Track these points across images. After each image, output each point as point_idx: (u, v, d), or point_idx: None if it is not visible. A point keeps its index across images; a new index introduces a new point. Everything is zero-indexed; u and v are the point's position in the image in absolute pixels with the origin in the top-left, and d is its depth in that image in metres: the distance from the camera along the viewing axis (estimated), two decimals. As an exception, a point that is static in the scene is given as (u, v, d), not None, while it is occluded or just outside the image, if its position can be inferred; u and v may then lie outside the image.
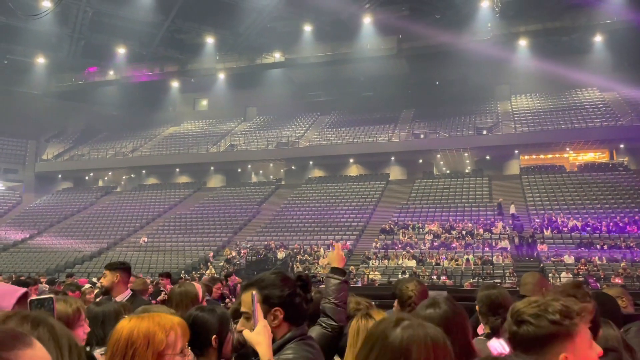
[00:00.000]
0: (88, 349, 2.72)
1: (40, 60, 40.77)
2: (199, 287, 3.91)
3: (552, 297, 1.70)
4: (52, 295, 1.85)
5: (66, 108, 46.85)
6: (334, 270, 2.90)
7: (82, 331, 2.49)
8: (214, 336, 2.45)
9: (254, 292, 2.03)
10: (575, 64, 35.99)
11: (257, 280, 2.14)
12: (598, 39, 34.36)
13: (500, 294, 3.23)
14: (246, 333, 1.98)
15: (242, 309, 2.08)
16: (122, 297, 4.46)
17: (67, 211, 38.74)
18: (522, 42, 34.87)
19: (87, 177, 45.86)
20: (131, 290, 4.73)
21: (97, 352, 2.76)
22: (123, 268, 4.58)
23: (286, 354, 2.00)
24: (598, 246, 23.29)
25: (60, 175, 44.92)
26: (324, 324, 2.78)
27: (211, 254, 28.11)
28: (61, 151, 45.94)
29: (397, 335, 1.49)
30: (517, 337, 1.65)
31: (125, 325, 1.66)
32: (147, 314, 1.74)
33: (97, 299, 5.21)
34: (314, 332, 2.72)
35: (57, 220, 37.43)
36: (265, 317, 2.05)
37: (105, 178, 46.29)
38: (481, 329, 3.42)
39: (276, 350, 2.02)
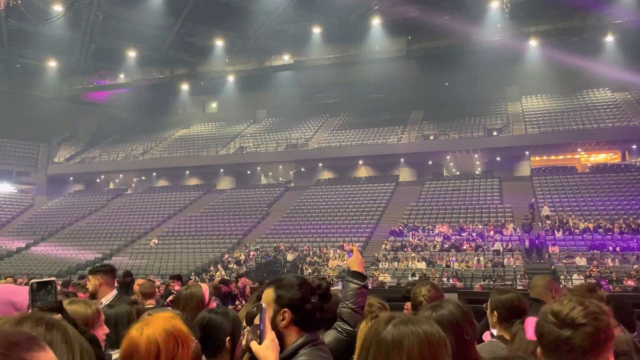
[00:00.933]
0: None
1: (52, 63, 41.20)
2: (206, 290, 3.90)
3: (594, 301, 1.66)
4: (54, 279, 1.86)
5: (78, 111, 47.27)
6: (354, 274, 2.84)
7: (102, 332, 2.52)
8: (228, 338, 2.46)
9: (264, 304, 2.05)
10: (586, 64, 35.69)
11: (276, 280, 2.19)
12: (609, 39, 34.09)
13: (519, 298, 3.19)
14: (254, 346, 2.00)
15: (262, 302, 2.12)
16: (108, 298, 4.49)
17: (78, 213, 39.04)
18: (533, 43, 34.66)
19: (98, 180, 46.22)
20: (116, 289, 4.79)
21: (114, 355, 2.79)
22: (104, 270, 4.64)
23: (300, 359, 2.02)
24: (610, 248, 23.06)
25: (71, 178, 45.30)
26: (339, 328, 2.74)
27: (227, 255, 28.24)
28: (73, 154, 46.33)
29: (389, 332, 1.51)
30: (572, 342, 1.55)
31: (145, 331, 1.65)
32: (146, 319, 1.74)
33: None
34: (330, 336, 2.71)
35: (69, 222, 37.73)
36: (275, 316, 2.08)
37: (116, 180, 46.63)
38: (487, 336, 3.38)
39: (290, 356, 2.05)
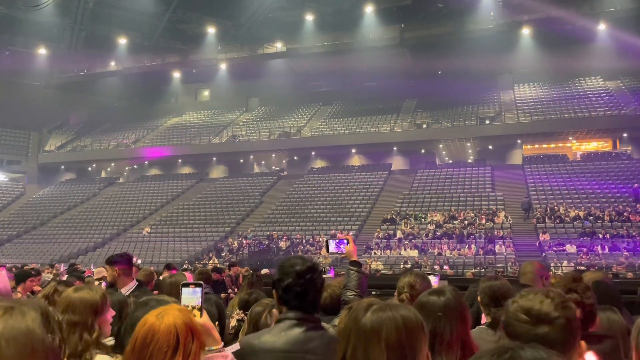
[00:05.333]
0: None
1: (42, 51, 40.72)
2: (189, 278, 3.94)
3: (555, 290, 1.67)
4: None
5: (68, 99, 46.84)
6: (354, 263, 3.15)
7: (110, 315, 2.54)
8: (217, 322, 2.50)
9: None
10: (578, 53, 35.75)
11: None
12: (602, 27, 34.09)
13: (503, 285, 3.23)
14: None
15: None
16: (127, 288, 4.47)
17: (70, 202, 38.86)
18: (526, 31, 34.66)
19: (90, 168, 45.95)
20: (137, 281, 4.75)
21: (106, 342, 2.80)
22: (121, 261, 4.59)
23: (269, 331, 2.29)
24: (600, 235, 23.29)
25: (63, 167, 45.01)
26: None
27: (220, 243, 28.27)
28: (64, 142, 45.98)
29: (367, 319, 1.54)
30: (550, 337, 1.56)
31: (167, 321, 1.62)
32: (163, 308, 1.71)
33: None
34: (336, 320, 2.82)
35: (61, 211, 37.56)
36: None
37: (108, 169, 46.38)
38: (483, 320, 3.44)
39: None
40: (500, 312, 2.96)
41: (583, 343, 1.63)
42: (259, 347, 2.21)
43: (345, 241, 3.26)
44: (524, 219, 26.13)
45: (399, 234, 25.91)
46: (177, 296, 3.35)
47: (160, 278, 8.17)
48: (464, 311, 2.29)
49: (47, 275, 10.01)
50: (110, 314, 2.57)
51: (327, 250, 3.32)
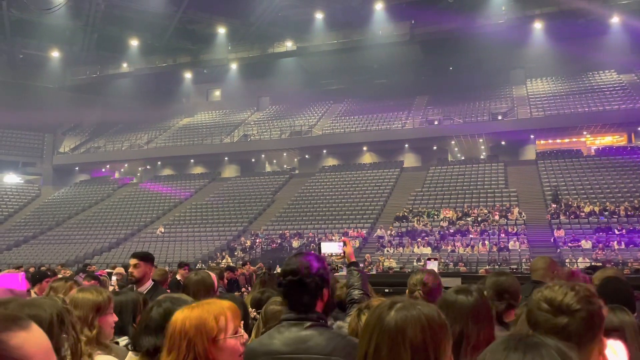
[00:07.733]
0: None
1: (55, 54, 41.17)
2: (214, 277, 3.97)
3: (583, 284, 1.67)
4: None
5: (82, 101, 47.29)
6: (355, 264, 3.36)
7: (112, 319, 2.57)
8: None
9: None
10: (591, 46, 35.32)
11: None
12: (615, 20, 33.64)
13: (507, 280, 3.19)
14: None
15: None
16: (145, 288, 4.51)
17: (85, 203, 39.25)
18: (538, 25, 34.31)
19: (103, 169, 46.38)
20: (152, 280, 4.78)
21: (120, 341, 2.83)
22: (146, 259, 4.62)
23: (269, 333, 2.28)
24: (616, 230, 23.02)
25: (77, 168, 45.47)
26: None
27: (233, 242, 28.40)
28: (78, 144, 46.44)
29: (392, 318, 1.50)
30: (570, 329, 1.56)
31: (179, 316, 1.73)
32: (198, 303, 1.78)
33: (122, 288, 5.30)
34: (349, 318, 2.84)
35: (76, 212, 37.95)
36: None
37: (122, 170, 46.76)
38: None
39: None
40: (502, 305, 2.96)
41: (605, 340, 1.62)
42: (259, 350, 2.16)
43: (342, 243, 3.41)
44: (555, 210, 26.03)
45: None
46: (204, 295, 3.37)
47: (177, 277, 8.25)
48: (490, 312, 2.28)
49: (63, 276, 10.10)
50: (113, 318, 2.59)
51: (319, 253, 3.40)
